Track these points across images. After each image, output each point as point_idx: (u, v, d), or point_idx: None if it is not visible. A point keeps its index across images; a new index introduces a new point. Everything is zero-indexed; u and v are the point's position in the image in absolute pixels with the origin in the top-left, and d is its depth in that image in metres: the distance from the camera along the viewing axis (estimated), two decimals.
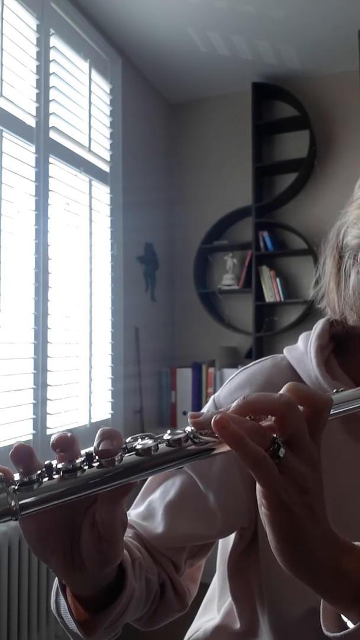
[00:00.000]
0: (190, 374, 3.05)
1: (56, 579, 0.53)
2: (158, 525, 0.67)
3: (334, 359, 0.69)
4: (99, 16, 2.57)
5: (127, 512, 0.71)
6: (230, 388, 0.71)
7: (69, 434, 0.43)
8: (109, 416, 2.64)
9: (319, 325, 0.71)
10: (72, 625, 0.52)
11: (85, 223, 2.48)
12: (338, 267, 0.68)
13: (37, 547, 0.45)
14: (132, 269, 2.90)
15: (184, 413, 3.04)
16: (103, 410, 2.59)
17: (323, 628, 0.47)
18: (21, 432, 2.01)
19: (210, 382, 3.02)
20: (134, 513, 0.71)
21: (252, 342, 3.04)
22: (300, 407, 0.42)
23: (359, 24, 2.62)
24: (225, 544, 0.74)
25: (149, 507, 0.69)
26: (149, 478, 0.72)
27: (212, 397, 0.73)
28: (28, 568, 1.87)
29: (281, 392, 0.43)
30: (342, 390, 0.48)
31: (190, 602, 0.71)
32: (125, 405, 2.72)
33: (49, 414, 2.15)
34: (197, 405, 3.02)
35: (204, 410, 0.72)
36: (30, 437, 2.06)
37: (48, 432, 2.14)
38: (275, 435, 0.41)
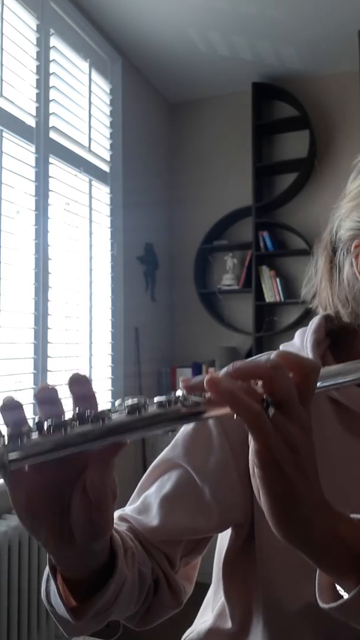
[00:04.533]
0: (190, 374, 3.05)
1: (47, 566, 0.53)
2: (153, 519, 0.67)
3: (330, 354, 0.69)
4: (99, 16, 2.57)
5: (123, 508, 0.71)
6: None
7: (52, 387, 0.43)
8: None
9: (315, 321, 0.72)
10: (62, 610, 0.51)
11: (85, 223, 2.48)
12: (331, 263, 0.69)
13: (26, 518, 0.45)
14: (132, 269, 2.90)
15: None
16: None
17: (318, 600, 0.47)
18: None
19: None
20: (129, 509, 0.70)
21: (252, 342, 3.04)
22: (290, 375, 0.42)
23: (359, 24, 2.62)
24: (221, 545, 0.73)
25: (144, 501, 0.69)
26: (145, 474, 0.72)
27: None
28: (28, 568, 1.87)
29: (270, 357, 0.43)
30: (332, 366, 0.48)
31: (185, 599, 0.70)
32: None
33: None
34: None
35: None
36: None
37: None
38: (264, 396, 0.41)
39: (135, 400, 0.42)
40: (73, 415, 0.41)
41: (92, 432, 0.40)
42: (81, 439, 0.40)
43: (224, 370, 0.42)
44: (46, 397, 0.42)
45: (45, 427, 0.40)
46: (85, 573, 0.51)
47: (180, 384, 0.43)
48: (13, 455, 0.38)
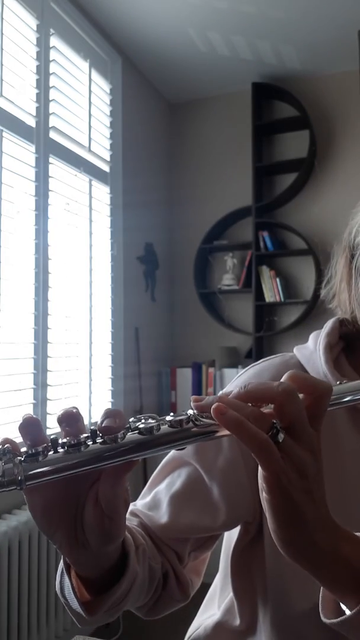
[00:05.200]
0: (190, 374, 3.05)
1: (61, 561, 0.55)
2: (163, 516, 0.67)
3: (344, 357, 0.70)
4: (99, 16, 2.57)
5: (134, 503, 0.72)
6: (238, 384, 0.71)
7: (74, 410, 0.44)
8: None
9: (328, 324, 0.72)
10: (75, 604, 0.53)
11: (85, 223, 2.48)
12: (349, 267, 0.69)
13: (42, 522, 0.46)
14: (132, 269, 2.90)
15: None
16: (103, 410, 2.59)
17: (321, 615, 0.47)
18: None
19: (210, 382, 3.02)
20: (140, 503, 0.72)
21: (252, 342, 3.04)
22: (301, 395, 0.42)
23: (359, 24, 2.62)
24: (229, 540, 0.74)
25: (154, 497, 0.70)
26: (156, 470, 0.73)
27: (219, 394, 0.74)
28: (28, 568, 1.87)
29: (282, 380, 0.43)
30: (345, 382, 0.48)
31: (192, 593, 0.71)
32: (125, 405, 2.72)
33: (49, 414, 2.15)
34: None
35: None
36: None
37: (48, 432, 2.14)
38: (274, 421, 0.41)
39: (150, 421, 0.43)
40: (88, 435, 0.42)
41: (106, 452, 0.41)
42: (96, 459, 0.41)
43: (235, 391, 0.43)
44: (66, 417, 0.43)
45: (61, 446, 0.41)
46: (98, 572, 0.52)
47: (192, 404, 0.43)
48: (29, 472, 0.40)
